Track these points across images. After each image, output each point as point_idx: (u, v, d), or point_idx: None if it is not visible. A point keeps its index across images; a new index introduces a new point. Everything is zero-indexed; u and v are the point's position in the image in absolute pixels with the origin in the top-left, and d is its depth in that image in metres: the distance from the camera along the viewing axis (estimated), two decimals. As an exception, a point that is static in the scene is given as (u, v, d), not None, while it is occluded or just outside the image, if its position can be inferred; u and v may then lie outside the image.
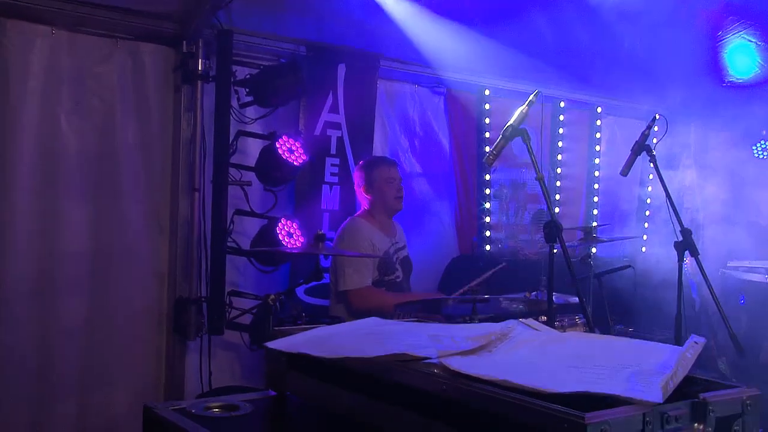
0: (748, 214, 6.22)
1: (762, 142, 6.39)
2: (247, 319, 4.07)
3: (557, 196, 5.90)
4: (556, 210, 5.90)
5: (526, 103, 2.77)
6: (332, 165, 4.68)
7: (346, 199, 4.74)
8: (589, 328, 2.69)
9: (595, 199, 6.20)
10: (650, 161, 3.43)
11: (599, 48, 5.00)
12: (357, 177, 4.34)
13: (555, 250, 2.81)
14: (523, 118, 2.77)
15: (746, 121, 6.04)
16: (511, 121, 2.76)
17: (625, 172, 3.64)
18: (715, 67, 5.94)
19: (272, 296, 2.91)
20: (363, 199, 4.29)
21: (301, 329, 1.74)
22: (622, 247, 6.15)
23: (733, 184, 6.32)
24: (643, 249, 6.26)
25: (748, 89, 5.90)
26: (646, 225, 6.38)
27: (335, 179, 4.70)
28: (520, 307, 3.53)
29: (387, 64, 4.90)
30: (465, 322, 3.10)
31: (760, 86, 5.90)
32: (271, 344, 1.66)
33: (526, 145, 2.73)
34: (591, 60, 5.38)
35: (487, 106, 5.46)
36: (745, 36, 5.48)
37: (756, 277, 5.57)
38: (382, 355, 1.35)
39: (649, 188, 6.38)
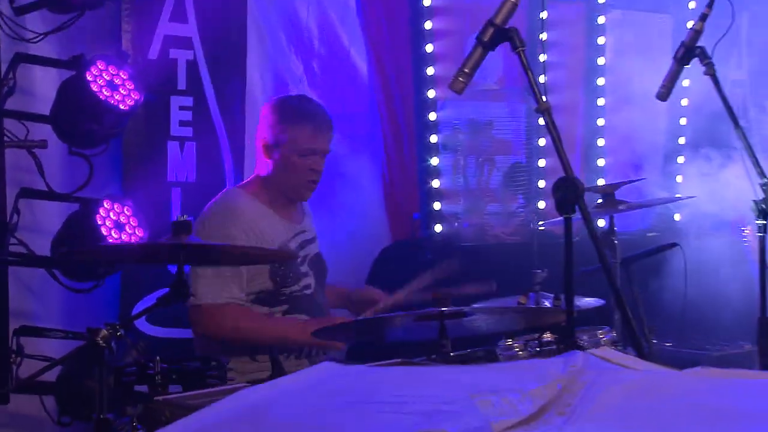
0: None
1: None
2: (50, 376, 3.86)
3: (540, 142, 5.86)
4: (541, 164, 5.88)
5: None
6: (181, 108, 4.63)
7: (206, 163, 4.69)
8: (639, 349, 2.64)
9: (600, 142, 6.21)
10: (705, 72, 3.40)
11: None
12: (263, 119, 4.15)
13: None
14: (511, 11, 2.71)
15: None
16: (494, 17, 2.71)
17: (664, 95, 3.62)
18: None
19: (104, 331, 2.69)
20: (261, 158, 4.16)
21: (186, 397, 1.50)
22: (641, 217, 6.17)
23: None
24: (677, 216, 6.28)
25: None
26: (679, 179, 6.40)
27: (187, 131, 4.64)
28: (519, 323, 3.47)
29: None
30: (431, 352, 3.00)
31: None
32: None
33: (519, 56, 2.68)
34: None
35: (427, 2, 5.38)
36: None
37: None
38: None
39: (683, 120, 6.38)
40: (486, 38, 2.70)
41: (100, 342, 2.66)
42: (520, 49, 2.66)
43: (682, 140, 6.47)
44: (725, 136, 6.45)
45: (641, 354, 2.69)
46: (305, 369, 1.63)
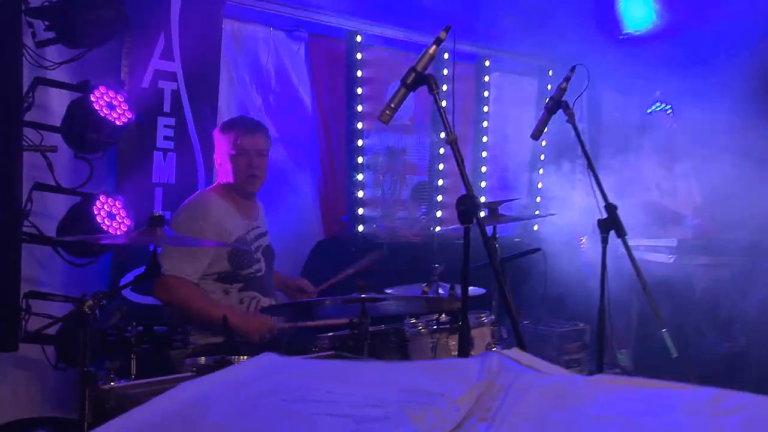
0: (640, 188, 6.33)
1: (658, 104, 6.50)
2: (52, 330, 3.74)
3: (440, 166, 5.76)
4: (440, 183, 5.78)
5: (434, 41, 2.54)
6: (166, 126, 4.42)
7: (184, 169, 4.47)
8: (515, 327, 2.49)
9: (483, 169, 6.14)
10: (567, 120, 3.28)
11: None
12: (214, 140, 4.09)
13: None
14: (429, 61, 2.58)
15: (643, 81, 6.14)
16: (416, 65, 2.58)
17: (536, 135, 3.50)
18: (611, 19, 6.02)
19: (89, 301, 2.48)
20: (218, 171, 4.08)
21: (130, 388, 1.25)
22: (509, 227, 6.10)
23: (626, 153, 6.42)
24: (535, 227, 6.22)
25: (645, 42, 6.00)
26: (538, 199, 6.35)
27: (170, 144, 4.43)
28: (422, 307, 3.38)
29: (234, -1, 4.67)
30: (354, 328, 2.91)
31: (656, 39, 6.00)
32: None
33: (434, 97, 2.56)
34: (476, 4, 5.31)
35: (359, 56, 5.29)
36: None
37: (659, 257, 5.66)
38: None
39: (542, 156, 6.34)
40: (409, 81, 2.56)
41: (86, 310, 2.50)
42: (435, 91, 2.53)
43: (541, 171, 6.45)
44: (572, 169, 6.51)
45: (517, 331, 2.57)
46: (245, 361, 1.33)
